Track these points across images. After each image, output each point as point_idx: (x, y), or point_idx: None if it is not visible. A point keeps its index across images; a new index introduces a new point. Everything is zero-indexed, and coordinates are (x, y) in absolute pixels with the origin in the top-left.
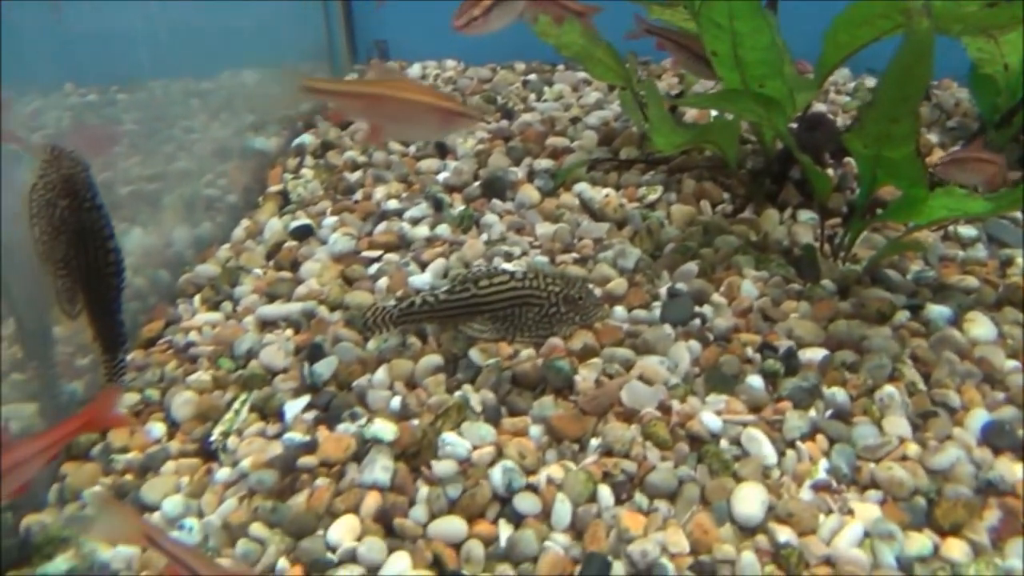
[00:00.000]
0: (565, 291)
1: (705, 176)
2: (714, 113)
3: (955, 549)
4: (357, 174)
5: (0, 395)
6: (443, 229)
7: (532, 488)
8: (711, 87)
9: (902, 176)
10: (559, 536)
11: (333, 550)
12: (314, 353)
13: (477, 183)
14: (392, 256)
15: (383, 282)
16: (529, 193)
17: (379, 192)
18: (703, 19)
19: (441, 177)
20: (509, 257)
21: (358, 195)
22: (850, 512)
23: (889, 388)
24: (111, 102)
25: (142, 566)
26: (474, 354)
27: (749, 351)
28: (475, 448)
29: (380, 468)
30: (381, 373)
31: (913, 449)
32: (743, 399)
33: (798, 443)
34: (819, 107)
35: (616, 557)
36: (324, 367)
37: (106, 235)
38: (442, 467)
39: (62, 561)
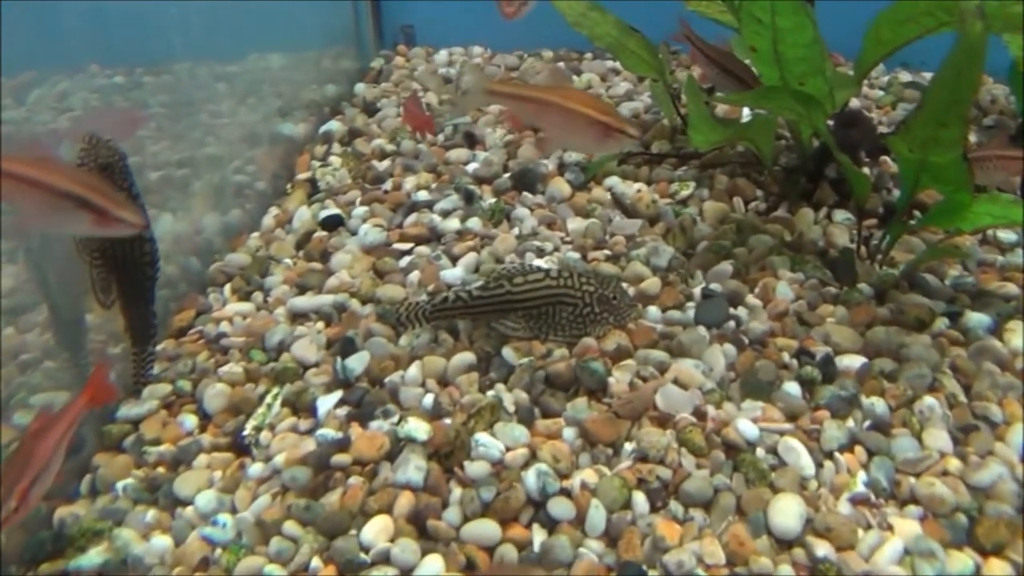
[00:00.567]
0: (599, 291)
1: (738, 172)
2: (746, 110)
3: (997, 570)
4: (386, 163)
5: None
6: (474, 222)
7: (566, 493)
8: None
9: (947, 181)
10: (593, 543)
11: (366, 550)
12: (346, 347)
13: (507, 175)
14: (423, 249)
15: (414, 276)
16: (560, 187)
17: (408, 182)
18: (743, 14)
19: (471, 168)
20: (541, 253)
21: (387, 185)
22: (889, 528)
23: (929, 399)
24: (137, 84)
25: (176, 560)
26: (507, 352)
27: (786, 357)
28: (508, 449)
29: (414, 468)
30: (413, 370)
31: (954, 464)
32: (780, 407)
33: (836, 454)
34: (852, 102)
35: (651, 567)
36: (356, 362)
37: None
38: (475, 468)
39: (95, 554)
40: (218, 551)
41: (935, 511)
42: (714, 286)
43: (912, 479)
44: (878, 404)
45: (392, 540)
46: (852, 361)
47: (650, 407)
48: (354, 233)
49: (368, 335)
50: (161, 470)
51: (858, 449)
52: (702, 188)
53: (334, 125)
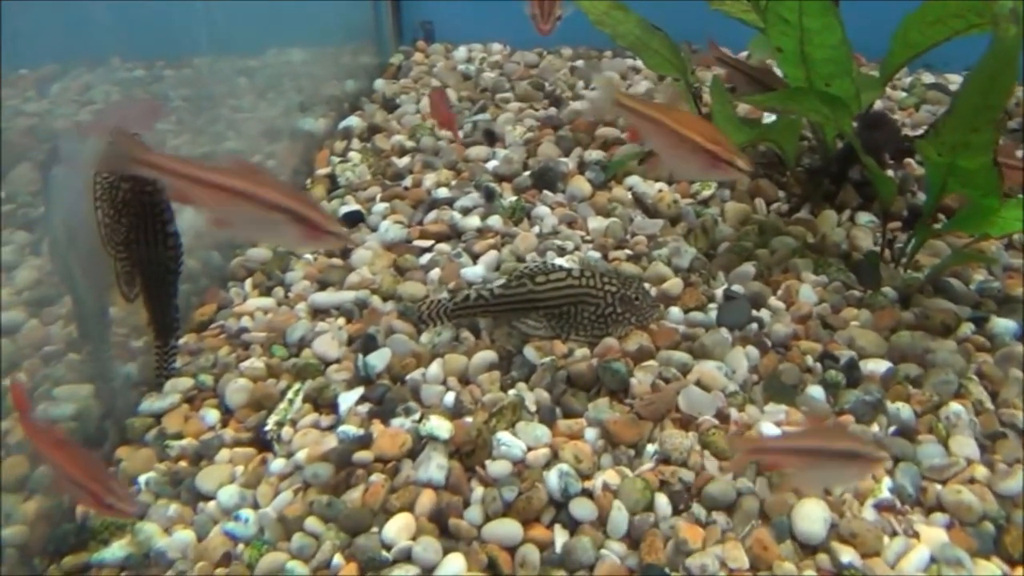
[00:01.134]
0: (622, 291)
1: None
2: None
3: None
4: (405, 159)
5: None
6: (495, 220)
7: (588, 494)
8: None
9: (975, 186)
10: (615, 544)
11: (388, 548)
12: (368, 344)
13: (527, 173)
14: (444, 246)
15: (435, 273)
16: (581, 185)
17: (428, 179)
18: (770, 14)
19: (490, 165)
20: (562, 252)
21: (407, 181)
22: (915, 535)
23: (955, 406)
24: (158, 78)
25: (198, 555)
26: (529, 352)
27: (809, 360)
28: (530, 449)
29: (435, 466)
30: (435, 367)
31: (981, 472)
32: (803, 410)
33: None
34: (876, 104)
35: (674, 570)
36: (378, 359)
37: (166, 219)
38: (497, 467)
39: (118, 547)
40: (240, 546)
41: (962, 519)
42: (736, 288)
43: (938, 486)
44: (903, 410)
45: (414, 538)
46: (877, 366)
47: (672, 409)
48: (374, 229)
49: (389, 332)
50: (183, 464)
51: None
52: (724, 188)
53: (354, 121)
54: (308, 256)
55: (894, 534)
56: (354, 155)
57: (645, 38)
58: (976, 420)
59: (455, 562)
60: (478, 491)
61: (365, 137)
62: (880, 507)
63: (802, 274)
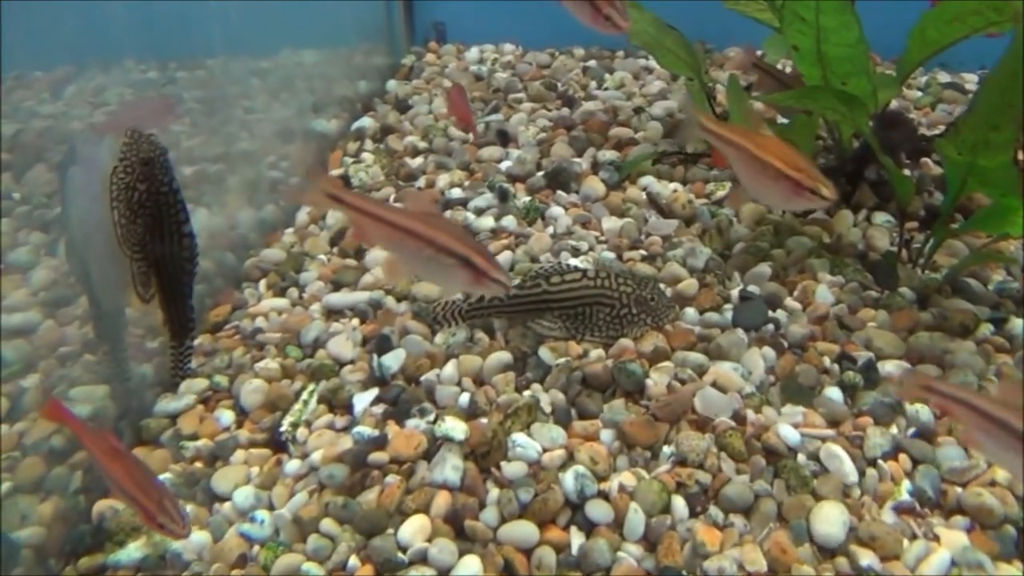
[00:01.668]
0: (637, 292)
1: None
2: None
3: None
4: (418, 160)
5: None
6: (508, 221)
7: (604, 495)
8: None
9: (995, 185)
10: (632, 547)
11: (404, 550)
12: (382, 345)
13: (540, 173)
14: None
15: None
16: (594, 185)
17: (442, 180)
18: (786, 12)
19: (504, 166)
20: (576, 252)
21: (421, 182)
22: (936, 538)
23: None
24: (171, 79)
25: (214, 557)
26: (544, 352)
27: (827, 361)
28: (545, 450)
29: (450, 467)
30: (450, 368)
31: (1001, 474)
32: (821, 412)
33: (880, 462)
34: (892, 103)
35: (691, 572)
36: (392, 360)
37: (182, 219)
38: (512, 469)
39: (134, 549)
40: (256, 548)
41: (983, 522)
42: (752, 288)
43: (959, 489)
44: (922, 411)
45: (429, 540)
46: (895, 367)
47: (688, 410)
48: None
49: (404, 333)
50: (199, 465)
51: (902, 457)
52: (738, 188)
53: (367, 122)
54: (322, 257)
55: (914, 537)
56: (367, 156)
57: (659, 37)
58: None
59: (471, 564)
60: (494, 492)
61: (378, 138)
62: (900, 510)
63: (818, 274)
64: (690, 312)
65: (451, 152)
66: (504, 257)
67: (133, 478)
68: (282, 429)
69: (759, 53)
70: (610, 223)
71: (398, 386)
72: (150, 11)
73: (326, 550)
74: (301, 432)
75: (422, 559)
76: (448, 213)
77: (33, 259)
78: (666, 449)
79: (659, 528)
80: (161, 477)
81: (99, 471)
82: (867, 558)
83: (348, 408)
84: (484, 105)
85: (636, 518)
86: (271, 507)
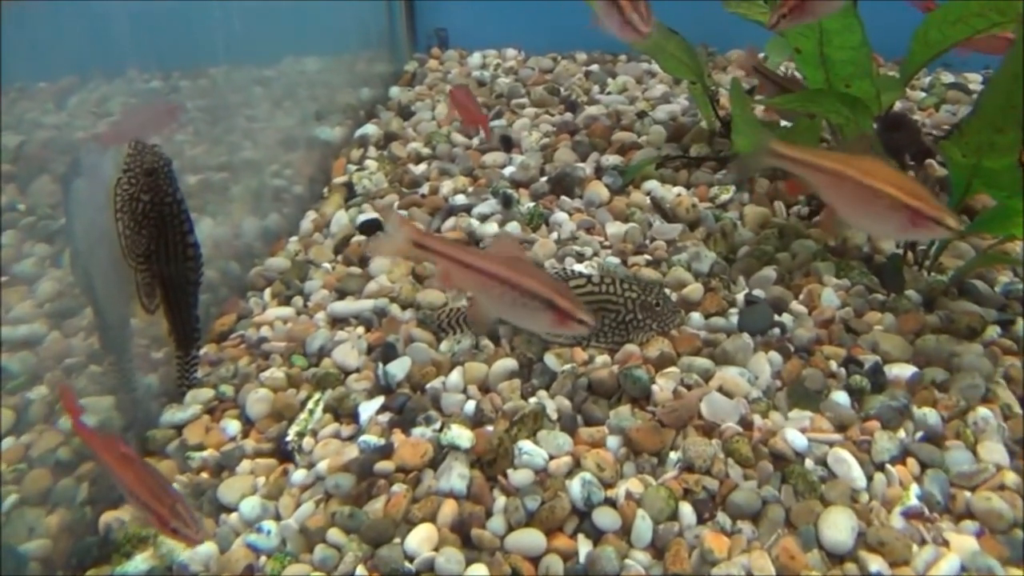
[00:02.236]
0: (642, 297)
1: (779, 175)
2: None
3: None
4: (422, 167)
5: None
6: (513, 227)
7: (611, 503)
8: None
9: (1000, 186)
10: (640, 554)
11: (411, 559)
12: (387, 353)
13: (544, 178)
14: None
15: None
16: (598, 190)
17: (445, 186)
18: None
19: (507, 172)
20: (581, 257)
21: (424, 189)
22: (945, 543)
23: (983, 410)
24: (174, 88)
25: (220, 567)
26: (549, 359)
27: (833, 365)
28: (552, 458)
29: (457, 476)
30: (455, 376)
31: (1011, 478)
32: (828, 416)
33: (888, 466)
34: (896, 105)
35: None
36: (397, 368)
37: (186, 230)
38: (519, 476)
39: (141, 560)
40: (263, 559)
41: (992, 527)
42: (757, 292)
43: (968, 493)
44: (930, 415)
45: (436, 549)
46: (902, 370)
47: (695, 415)
48: None
49: (409, 341)
50: (205, 476)
51: (910, 461)
52: (742, 192)
53: (370, 129)
54: (327, 265)
55: (923, 542)
56: (371, 163)
57: (661, 41)
58: (1004, 425)
59: (478, 573)
60: (500, 501)
61: (381, 145)
62: (908, 515)
63: (824, 278)
64: (696, 317)
65: (454, 158)
66: None
67: (145, 484)
68: (288, 439)
69: (761, 56)
70: (614, 228)
71: (404, 394)
72: (153, 20)
73: (333, 560)
74: (307, 442)
75: (429, 568)
76: (452, 220)
77: (38, 271)
78: (673, 455)
79: (667, 535)
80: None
81: (110, 478)
82: (876, 564)
83: (354, 417)
84: (487, 111)
85: (643, 525)
86: (278, 517)
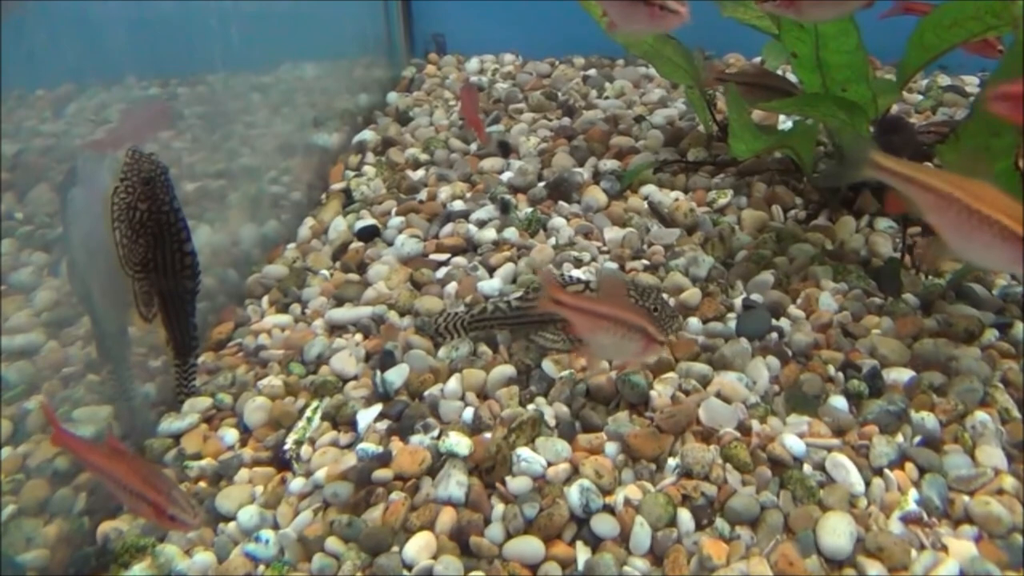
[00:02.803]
0: (640, 303)
1: (776, 180)
2: (782, 117)
3: None
4: (420, 172)
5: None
6: (510, 232)
7: (609, 509)
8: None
9: None
10: (638, 561)
11: (409, 568)
12: (385, 360)
13: (542, 184)
14: (460, 260)
15: (452, 287)
16: (596, 195)
17: (443, 192)
18: (785, 20)
19: (505, 177)
20: (578, 263)
21: (422, 195)
22: (944, 548)
23: (981, 414)
24: (172, 96)
25: None
26: (547, 365)
27: (831, 370)
28: (550, 464)
29: (455, 483)
30: (453, 383)
31: (1009, 482)
32: (826, 421)
33: (886, 471)
34: (893, 107)
35: None
36: (396, 375)
37: (183, 238)
38: (517, 484)
39: (139, 570)
40: (261, 568)
41: (991, 531)
42: (755, 297)
43: (966, 497)
44: (928, 419)
45: (434, 557)
46: (900, 374)
47: (693, 421)
48: (390, 244)
49: (407, 348)
50: (203, 485)
51: (908, 466)
52: (740, 196)
53: (367, 135)
54: (324, 272)
55: (922, 547)
56: (369, 169)
57: (658, 46)
58: (1003, 429)
59: None
60: (499, 508)
61: (379, 151)
62: (907, 520)
63: (821, 282)
64: (693, 322)
65: (452, 164)
66: (506, 269)
67: (139, 474)
68: (286, 447)
69: (729, 61)
70: (612, 233)
71: (402, 402)
72: (151, 28)
73: (331, 569)
74: (305, 450)
75: None
76: (450, 226)
77: (36, 280)
78: (671, 461)
79: (665, 542)
80: None
81: (103, 478)
82: (875, 569)
83: (352, 425)
84: (485, 116)
85: (642, 532)
86: (276, 526)
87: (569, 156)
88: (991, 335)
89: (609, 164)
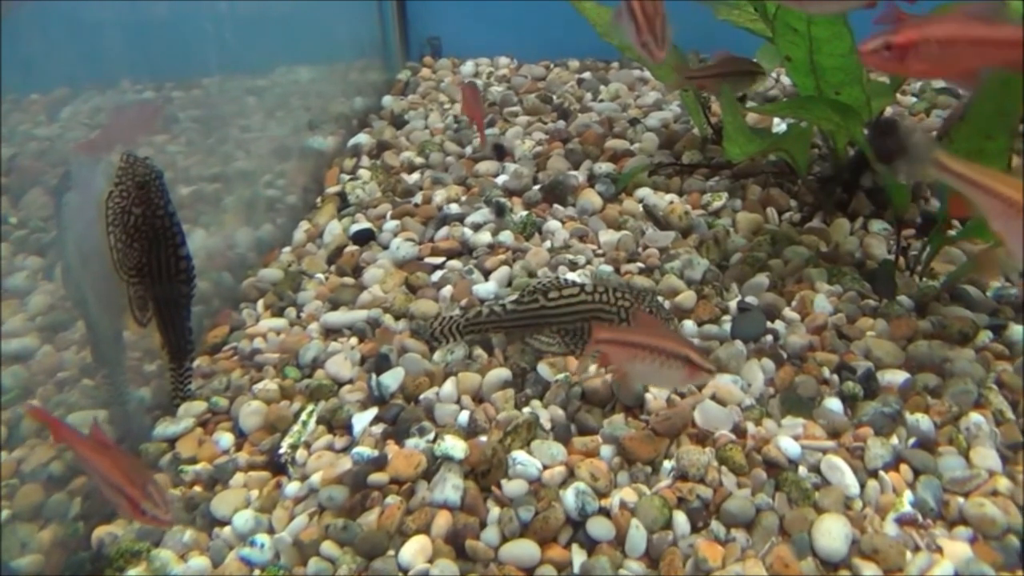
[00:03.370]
0: (635, 305)
1: (770, 182)
2: (776, 119)
3: None
4: (415, 176)
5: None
6: (506, 235)
7: (605, 512)
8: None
9: None
10: (634, 564)
11: (405, 572)
12: (380, 364)
13: (537, 187)
14: (455, 263)
15: (447, 290)
16: (591, 198)
17: (439, 195)
18: (778, 23)
19: (500, 180)
20: (574, 266)
21: (417, 198)
22: (939, 550)
23: (976, 416)
24: (167, 99)
25: None
26: (542, 368)
27: (826, 372)
28: (546, 468)
29: (451, 487)
30: (448, 386)
31: (1004, 484)
32: (821, 423)
33: (881, 473)
34: (887, 110)
35: None
36: (391, 379)
37: (178, 242)
38: (513, 487)
39: (134, 575)
40: (256, 572)
41: (986, 533)
42: (750, 299)
43: (961, 499)
44: (923, 421)
45: (430, 561)
46: (894, 376)
47: (689, 424)
48: (386, 247)
49: (402, 351)
50: (198, 489)
51: (903, 467)
52: (735, 199)
53: (363, 138)
54: (320, 276)
55: (917, 549)
56: (364, 172)
57: None
58: (997, 431)
59: None
60: (494, 511)
61: (374, 154)
62: (902, 522)
63: (816, 284)
64: (689, 324)
65: (447, 167)
66: (501, 272)
67: (119, 467)
68: (281, 451)
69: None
70: (607, 236)
71: (397, 405)
72: (145, 31)
73: (327, 573)
74: (300, 454)
75: None
76: (445, 229)
77: (30, 284)
78: (667, 464)
79: (661, 544)
80: None
81: (87, 468)
82: (870, 571)
83: (347, 428)
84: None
85: (638, 535)
86: (271, 530)
87: (564, 159)
88: (985, 337)
89: (604, 167)
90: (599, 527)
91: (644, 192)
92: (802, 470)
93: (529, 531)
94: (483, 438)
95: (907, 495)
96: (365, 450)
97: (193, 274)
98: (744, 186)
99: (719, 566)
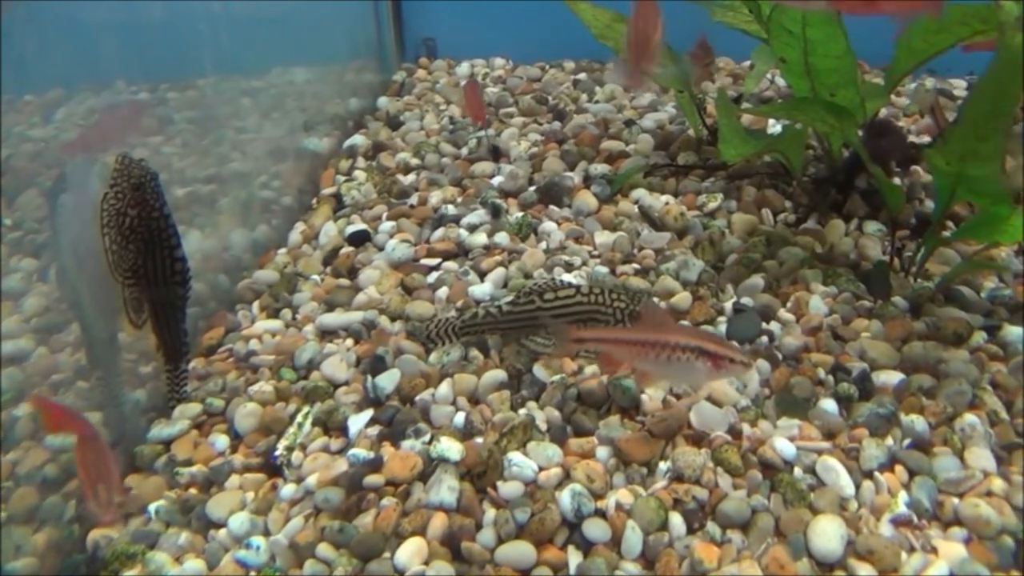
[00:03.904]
0: (631, 307)
1: (766, 183)
2: (771, 120)
3: None
4: (411, 177)
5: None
6: (501, 237)
7: (601, 514)
8: (766, 89)
9: (984, 194)
10: (630, 565)
11: (401, 574)
12: (376, 365)
13: (532, 188)
14: (451, 264)
15: (443, 292)
16: (587, 200)
17: (434, 196)
18: (773, 25)
19: (496, 181)
20: (569, 267)
21: (413, 199)
22: (934, 550)
23: (970, 417)
24: (162, 100)
25: None
26: (538, 370)
27: (821, 373)
28: (542, 469)
29: (446, 488)
30: (444, 388)
31: (998, 484)
32: (817, 424)
33: (876, 474)
34: (881, 111)
35: None
36: (387, 380)
37: (174, 244)
38: (509, 488)
39: None
40: (252, 574)
41: (980, 533)
42: (746, 300)
43: (955, 500)
44: (917, 422)
45: (426, 563)
46: (889, 377)
47: (684, 425)
48: (381, 248)
49: (398, 352)
50: (193, 491)
51: (898, 468)
52: (730, 200)
53: (358, 139)
54: (315, 277)
55: (912, 550)
56: (359, 174)
57: None
58: (991, 431)
59: None
60: (490, 513)
61: (370, 155)
62: (897, 522)
63: (811, 285)
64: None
65: (443, 168)
66: (497, 274)
67: (86, 460)
68: (277, 453)
69: (719, 66)
70: (603, 237)
71: (393, 407)
72: (140, 32)
73: (323, 575)
74: (296, 456)
75: None
76: (441, 230)
77: (25, 286)
78: (662, 465)
79: (657, 545)
80: (155, 504)
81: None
82: (865, 571)
83: (343, 430)
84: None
85: (634, 536)
86: (267, 533)
87: (560, 160)
88: (979, 338)
89: (599, 168)
90: (595, 528)
91: (640, 193)
92: (797, 471)
93: (525, 533)
94: (479, 440)
95: (902, 496)
96: (361, 452)
97: (189, 276)
98: (739, 187)
99: (715, 567)
